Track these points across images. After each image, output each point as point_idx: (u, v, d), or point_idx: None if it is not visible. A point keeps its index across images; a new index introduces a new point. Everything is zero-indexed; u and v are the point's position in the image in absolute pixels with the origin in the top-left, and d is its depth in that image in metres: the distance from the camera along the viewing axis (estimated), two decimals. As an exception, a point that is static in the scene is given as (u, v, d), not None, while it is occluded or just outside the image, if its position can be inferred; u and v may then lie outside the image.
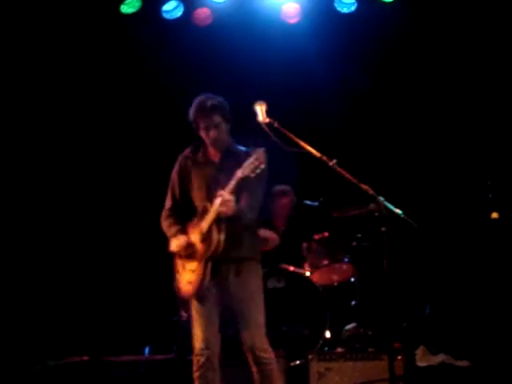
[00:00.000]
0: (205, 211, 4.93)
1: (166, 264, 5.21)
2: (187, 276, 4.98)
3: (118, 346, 7.38)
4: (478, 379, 6.22)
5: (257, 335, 4.92)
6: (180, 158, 5.22)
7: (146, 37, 8.04)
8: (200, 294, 4.93)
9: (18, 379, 6.60)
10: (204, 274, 4.88)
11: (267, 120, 4.83)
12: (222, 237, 4.88)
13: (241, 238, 5.00)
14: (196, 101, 5.08)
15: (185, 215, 5.13)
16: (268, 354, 4.94)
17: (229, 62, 7.92)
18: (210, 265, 4.89)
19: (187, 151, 5.23)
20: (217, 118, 5.01)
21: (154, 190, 5.74)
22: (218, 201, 4.82)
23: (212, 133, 5.01)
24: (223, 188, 4.88)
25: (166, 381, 6.50)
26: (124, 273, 8.07)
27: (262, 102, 4.87)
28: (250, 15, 7.97)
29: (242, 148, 5.18)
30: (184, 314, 5.31)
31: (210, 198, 4.94)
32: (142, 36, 8.04)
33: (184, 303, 5.29)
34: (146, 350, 7.29)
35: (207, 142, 5.08)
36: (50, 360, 6.79)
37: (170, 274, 5.14)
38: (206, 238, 4.89)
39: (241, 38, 7.91)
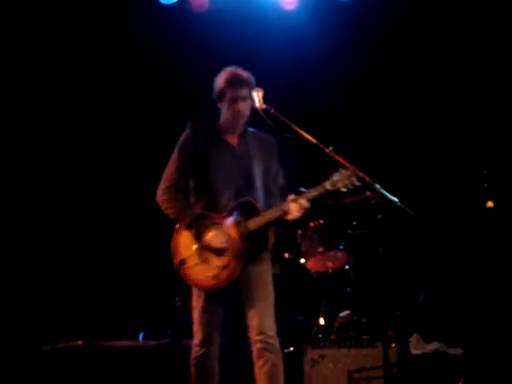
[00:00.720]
0: (245, 207, 4.73)
1: (162, 248, 5.09)
2: (212, 270, 4.67)
3: (113, 331, 7.39)
4: (471, 367, 6.24)
5: (271, 321, 4.80)
6: (191, 131, 4.91)
7: (141, 22, 8.00)
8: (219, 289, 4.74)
9: (12, 364, 6.58)
10: (238, 273, 4.68)
11: (264, 106, 4.83)
12: (273, 238, 4.81)
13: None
14: (228, 70, 4.87)
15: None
16: (277, 343, 4.78)
17: (225, 49, 7.86)
18: (243, 264, 4.71)
19: (200, 125, 4.94)
20: (246, 92, 4.81)
21: (148, 176, 5.61)
22: (293, 206, 4.63)
23: (240, 105, 4.79)
24: (246, 176, 4.79)
25: (161, 366, 6.50)
26: (119, 257, 8.08)
27: (258, 89, 4.86)
28: (247, 1, 7.94)
29: (252, 130, 5.00)
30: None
31: (228, 186, 4.78)
32: (138, 21, 8.00)
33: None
34: (141, 335, 7.30)
35: (228, 115, 4.84)
36: (44, 345, 6.78)
37: (166, 259, 4.98)
38: (250, 236, 4.70)
39: (237, 25, 7.86)
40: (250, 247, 4.71)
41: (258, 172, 4.86)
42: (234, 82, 4.80)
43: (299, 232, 7.23)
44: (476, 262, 7.36)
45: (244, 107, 4.82)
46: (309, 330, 6.65)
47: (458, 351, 6.48)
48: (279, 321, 6.56)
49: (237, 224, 4.72)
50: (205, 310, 4.79)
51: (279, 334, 6.29)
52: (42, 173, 8.07)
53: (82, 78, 8.19)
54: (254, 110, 4.84)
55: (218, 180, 4.81)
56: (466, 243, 7.58)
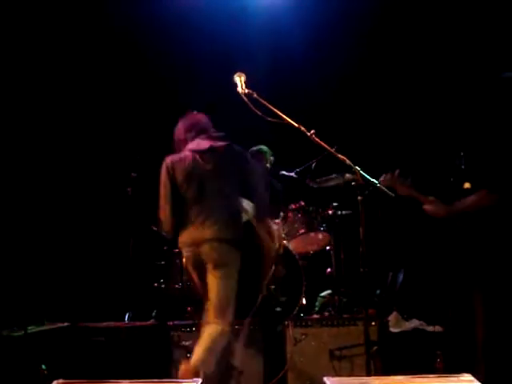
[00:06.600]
0: None
1: (147, 232, 5.15)
2: None
3: (99, 313, 7.45)
4: (450, 344, 6.36)
5: None
6: None
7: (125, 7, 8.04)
8: None
9: (-2, 345, 6.63)
10: None
11: (246, 91, 4.90)
12: None
13: None
14: None
15: None
16: None
17: (208, 33, 7.93)
18: None
19: None
20: None
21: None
22: None
23: None
24: None
25: (146, 346, 6.57)
26: (106, 241, 8.15)
27: (241, 73, 4.94)
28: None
29: None
30: None
31: None
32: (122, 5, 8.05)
33: None
34: (127, 316, 7.37)
35: None
36: (31, 326, 6.82)
37: (150, 241, 5.03)
38: None
39: (221, 10, 7.94)
40: None
41: None
42: None
43: (281, 214, 7.32)
44: (453, 242, 7.48)
45: None
46: (291, 310, 6.76)
47: (436, 329, 6.61)
48: (262, 300, 6.75)
49: None
50: None
51: (263, 314, 6.46)
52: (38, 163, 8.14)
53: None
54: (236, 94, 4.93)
55: None
56: (444, 224, 7.70)
